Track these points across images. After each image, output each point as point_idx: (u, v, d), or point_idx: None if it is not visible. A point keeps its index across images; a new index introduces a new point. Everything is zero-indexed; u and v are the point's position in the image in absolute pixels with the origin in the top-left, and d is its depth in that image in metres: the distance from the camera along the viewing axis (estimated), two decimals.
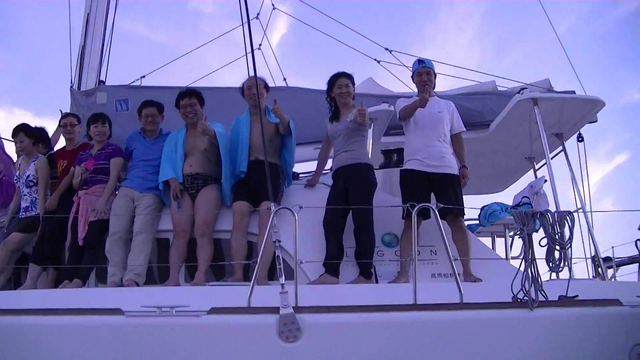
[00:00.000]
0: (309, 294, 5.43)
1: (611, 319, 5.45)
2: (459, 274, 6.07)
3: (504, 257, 7.85)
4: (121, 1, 8.90)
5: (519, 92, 7.59)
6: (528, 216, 5.55)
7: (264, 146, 5.93)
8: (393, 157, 7.46)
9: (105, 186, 6.56)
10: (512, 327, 5.38)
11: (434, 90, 6.94)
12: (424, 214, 6.13)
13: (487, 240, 8.18)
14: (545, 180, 7.32)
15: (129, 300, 5.32)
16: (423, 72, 6.65)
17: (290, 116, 6.99)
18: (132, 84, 8.72)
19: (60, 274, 6.31)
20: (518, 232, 5.57)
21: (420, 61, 6.75)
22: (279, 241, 5.34)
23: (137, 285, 6.07)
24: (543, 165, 8.88)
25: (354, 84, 6.81)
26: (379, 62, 9.44)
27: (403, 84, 8.92)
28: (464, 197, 6.63)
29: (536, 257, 5.49)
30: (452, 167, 6.44)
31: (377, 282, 6.26)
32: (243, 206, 6.30)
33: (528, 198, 7.46)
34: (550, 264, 5.62)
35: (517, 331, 5.38)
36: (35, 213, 6.68)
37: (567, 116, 7.88)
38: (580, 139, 8.78)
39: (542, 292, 5.45)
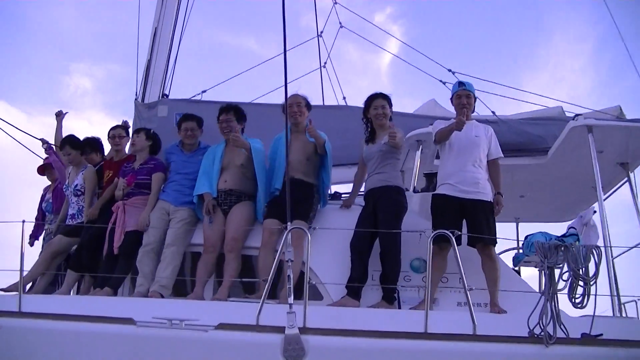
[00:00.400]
0: (321, 315, 5.44)
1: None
2: (485, 304, 5.94)
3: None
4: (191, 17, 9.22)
5: (573, 119, 7.30)
6: (551, 248, 5.33)
7: (287, 163, 5.96)
8: (434, 180, 7.31)
9: (143, 198, 6.79)
10: None
11: (473, 114, 6.78)
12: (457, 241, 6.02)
13: (533, 271, 7.85)
14: (595, 212, 6.98)
15: (147, 311, 5.50)
16: (462, 95, 6.51)
17: (345, 135, 7.02)
18: (193, 98, 8.98)
19: (95, 281, 6.58)
20: (540, 265, 5.35)
21: (460, 83, 6.63)
22: (291, 260, 5.36)
23: (162, 296, 6.23)
24: (611, 194, 8.52)
25: (391, 105, 6.76)
26: (444, 83, 9.28)
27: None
28: (530, 224, 6.39)
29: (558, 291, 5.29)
30: (485, 193, 6.26)
31: (399, 307, 6.15)
32: (272, 224, 6.36)
33: (575, 229, 7.12)
34: (573, 300, 5.38)
35: None
36: (80, 221, 7.00)
37: (633, 145, 7.52)
38: None
39: (563, 328, 5.23)
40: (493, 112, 8.67)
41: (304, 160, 6.66)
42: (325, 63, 10.36)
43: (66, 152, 7.40)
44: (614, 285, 6.25)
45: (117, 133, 7.43)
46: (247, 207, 6.58)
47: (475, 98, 6.65)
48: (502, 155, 6.61)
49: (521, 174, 8.38)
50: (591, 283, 5.32)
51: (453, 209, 6.15)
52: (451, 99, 6.70)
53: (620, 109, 8.94)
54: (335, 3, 10.25)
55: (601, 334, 5.32)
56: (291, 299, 5.26)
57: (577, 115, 7.73)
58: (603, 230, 6.63)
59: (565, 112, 8.92)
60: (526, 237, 7.06)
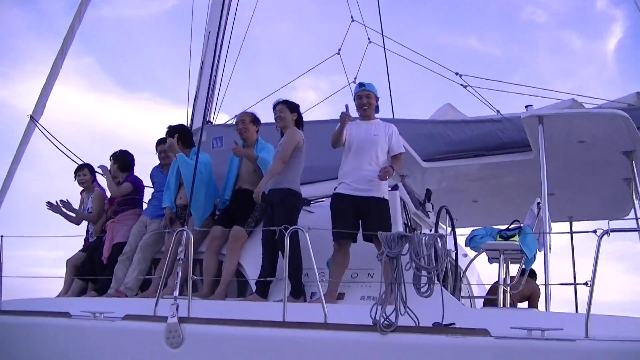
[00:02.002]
0: (204, 307, 6.20)
1: (477, 350, 5.19)
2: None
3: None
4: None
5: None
6: (395, 239, 5.56)
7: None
8: None
9: (127, 213, 8.03)
10: (365, 350, 5.46)
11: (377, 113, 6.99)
12: (352, 237, 6.41)
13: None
14: (538, 202, 6.82)
15: (101, 307, 6.68)
16: (363, 95, 6.79)
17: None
18: (227, 122, 10.04)
19: (95, 286, 7.92)
20: (383, 255, 5.59)
21: (360, 84, 6.91)
22: (181, 259, 6.21)
23: (126, 296, 7.34)
24: None
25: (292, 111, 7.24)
26: (464, 85, 9.39)
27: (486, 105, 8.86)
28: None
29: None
30: (379, 190, 6.51)
31: (305, 300, 6.58)
32: (216, 230, 7.18)
33: (518, 221, 7.02)
34: (417, 289, 5.54)
35: (370, 354, 5.44)
36: (94, 238, 8.42)
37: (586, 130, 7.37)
38: None
39: (413, 317, 5.42)
40: (498, 111, 8.65)
41: (251, 172, 7.41)
42: (355, 78, 10.85)
43: (83, 173, 8.75)
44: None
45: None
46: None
47: (376, 98, 6.86)
48: (404, 151, 6.76)
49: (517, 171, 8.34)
50: (434, 271, 5.45)
51: (348, 207, 6.48)
52: (354, 99, 6.95)
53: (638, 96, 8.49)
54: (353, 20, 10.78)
55: (453, 323, 5.41)
56: (176, 292, 6.15)
57: (527, 106, 7.60)
58: (544, 221, 6.55)
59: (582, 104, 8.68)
60: (471, 232, 7.13)
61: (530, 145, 7.84)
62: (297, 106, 7.29)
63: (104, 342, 6.38)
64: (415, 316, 5.42)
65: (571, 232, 8.99)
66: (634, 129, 7.11)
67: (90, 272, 7.92)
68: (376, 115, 6.97)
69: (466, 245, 7.03)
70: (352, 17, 11.04)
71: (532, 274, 8.63)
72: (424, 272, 5.50)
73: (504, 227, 7.05)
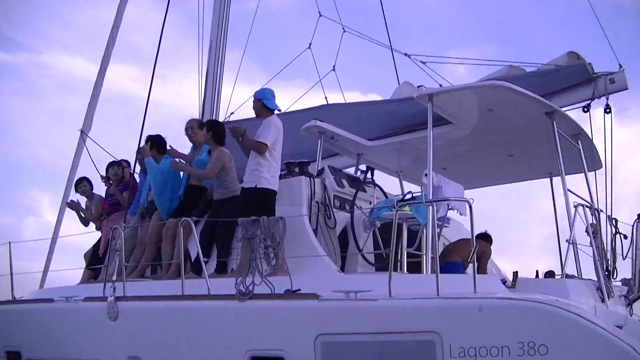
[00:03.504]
0: (140, 288, 7.81)
1: (302, 311, 6.38)
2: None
3: None
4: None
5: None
6: (249, 222, 6.85)
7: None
8: (293, 168, 8.69)
9: (117, 214, 9.77)
10: (232, 314, 6.80)
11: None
12: None
13: None
14: (426, 174, 7.67)
15: (78, 292, 8.55)
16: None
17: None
18: (225, 119, 11.54)
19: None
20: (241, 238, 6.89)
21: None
22: (118, 250, 7.86)
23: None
24: None
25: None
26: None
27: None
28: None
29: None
30: (249, 182, 7.88)
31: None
32: (169, 222, 8.69)
33: (411, 192, 7.94)
34: (268, 263, 6.78)
35: (235, 318, 6.79)
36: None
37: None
38: (607, 110, 8.52)
39: (270, 286, 6.66)
40: (440, 85, 9.52)
41: None
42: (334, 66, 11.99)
43: (83, 185, 10.66)
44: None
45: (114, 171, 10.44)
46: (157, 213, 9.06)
47: (258, 100, 8.12)
48: (262, 140, 7.87)
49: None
50: (276, 249, 6.69)
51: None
52: None
53: (575, 55, 9.03)
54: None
55: (299, 289, 6.61)
56: (114, 276, 7.78)
57: (419, 86, 8.39)
58: (428, 190, 7.46)
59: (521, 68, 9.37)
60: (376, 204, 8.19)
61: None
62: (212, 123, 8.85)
63: (73, 318, 8.21)
64: (272, 285, 6.63)
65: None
66: (522, 94, 7.68)
67: (94, 263, 9.77)
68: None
69: (371, 217, 8.04)
70: (319, 12, 12.11)
71: (486, 238, 9.48)
72: (270, 249, 6.71)
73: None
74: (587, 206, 7.44)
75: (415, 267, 8.27)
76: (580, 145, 8.64)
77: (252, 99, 8.19)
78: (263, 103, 8.13)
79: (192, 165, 8.89)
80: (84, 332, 8.07)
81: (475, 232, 9.23)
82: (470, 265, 8.91)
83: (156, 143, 9.34)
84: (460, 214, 8.26)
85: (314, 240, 7.74)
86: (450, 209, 8.06)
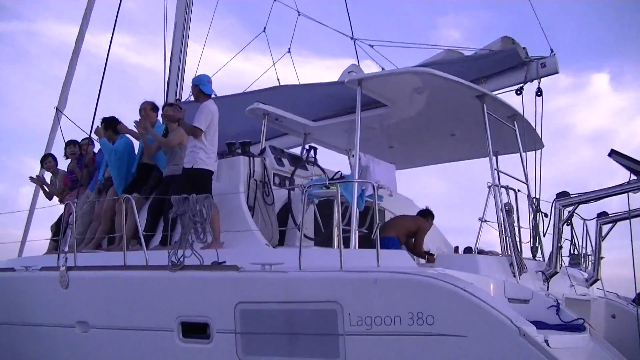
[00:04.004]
0: (90, 258, 8.46)
1: (224, 281, 7.02)
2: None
3: None
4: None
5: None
6: (180, 200, 7.46)
7: None
8: (233, 147, 9.27)
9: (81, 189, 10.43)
10: (165, 283, 7.45)
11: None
12: None
13: None
14: (353, 155, 8.25)
15: (37, 262, 9.22)
16: None
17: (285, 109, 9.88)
18: (188, 100, 12.10)
19: None
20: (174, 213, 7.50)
21: None
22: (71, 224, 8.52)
23: None
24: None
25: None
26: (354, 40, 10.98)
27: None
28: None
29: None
30: (186, 162, 8.54)
31: None
32: (121, 197, 9.33)
33: (340, 172, 8.55)
34: (198, 237, 7.39)
35: (168, 288, 7.44)
36: None
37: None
38: (539, 93, 9.05)
39: (199, 258, 7.26)
40: (382, 68, 10.09)
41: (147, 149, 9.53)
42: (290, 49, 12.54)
43: (48, 161, 11.31)
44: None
45: (70, 150, 11.09)
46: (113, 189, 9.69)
47: (195, 85, 8.70)
48: (196, 124, 8.43)
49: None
50: (199, 224, 7.30)
51: None
52: None
53: (510, 40, 9.54)
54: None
55: (224, 262, 7.24)
56: (65, 248, 8.44)
57: (349, 72, 8.92)
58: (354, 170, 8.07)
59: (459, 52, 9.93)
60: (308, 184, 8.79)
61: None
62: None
63: (30, 286, 8.89)
64: (201, 257, 7.24)
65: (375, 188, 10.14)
66: (445, 79, 8.22)
67: (57, 235, 10.43)
68: None
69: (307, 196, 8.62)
70: None
71: (427, 214, 10.11)
72: (198, 224, 7.32)
73: None
74: (501, 186, 8.01)
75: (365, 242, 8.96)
76: (516, 126, 9.21)
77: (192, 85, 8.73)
78: (200, 89, 8.68)
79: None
80: (40, 299, 8.74)
81: (420, 209, 10.10)
82: (403, 240, 9.62)
83: (111, 124, 9.94)
84: (390, 193, 8.89)
85: (248, 216, 8.34)
86: (381, 187, 8.69)
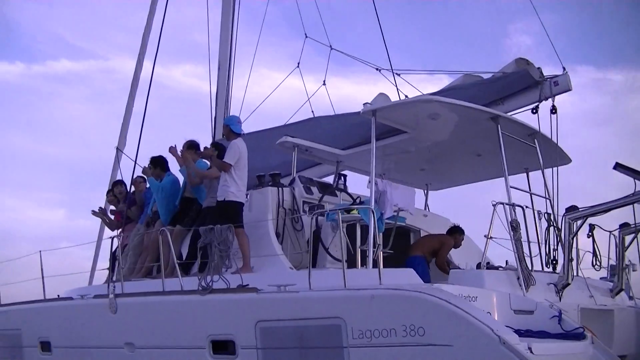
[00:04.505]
0: (135, 286, 9.40)
1: (245, 302, 7.79)
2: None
3: None
4: None
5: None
6: (206, 231, 8.29)
7: None
8: (263, 180, 10.06)
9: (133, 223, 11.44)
10: (196, 307, 8.28)
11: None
12: None
13: None
14: (369, 182, 8.90)
15: (92, 291, 10.24)
16: None
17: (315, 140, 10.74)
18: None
19: None
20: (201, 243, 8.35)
21: None
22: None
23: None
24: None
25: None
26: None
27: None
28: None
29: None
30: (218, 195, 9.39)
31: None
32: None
33: (359, 198, 9.20)
34: (224, 264, 8.18)
35: (199, 310, 8.27)
36: None
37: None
38: (553, 110, 9.57)
39: (226, 282, 8.07)
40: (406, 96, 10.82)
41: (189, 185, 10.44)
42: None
43: (110, 196, 12.45)
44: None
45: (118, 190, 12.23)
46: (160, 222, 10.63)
47: (226, 125, 9.54)
48: (226, 160, 9.37)
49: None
50: (227, 252, 8.10)
51: None
52: None
53: (524, 61, 10.05)
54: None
55: (247, 284, 8.01)
56: (114, 277, 9.40)
57: (365, 103, 9.56)
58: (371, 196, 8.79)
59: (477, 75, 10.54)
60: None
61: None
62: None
63: (85, 313, 9.89)
64: (227, 281, 8.03)
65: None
66: (452, 105, 8.83)
67: (113, 265, 11.47)
68: None
69: (327, 221, 9.32)
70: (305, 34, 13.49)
71: (454, 231, 10.64)
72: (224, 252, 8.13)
73: None
74: (506, 204, 8.48)
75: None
76: (537, 144, 9.67)
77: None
78: (230, 128, 9.61)
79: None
80: (93, 324, 9.71)
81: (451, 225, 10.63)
82: (432, 258, 10.16)
83: (158, 163, 10.92)
84: (410, 212, 9.51)
85: (274, 242, 9.13)
86: (400, 209, 9.30)
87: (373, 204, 8.74)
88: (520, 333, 7.11)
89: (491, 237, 8.36)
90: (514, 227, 8.38)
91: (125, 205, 11.66)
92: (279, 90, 13.80)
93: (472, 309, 6.44)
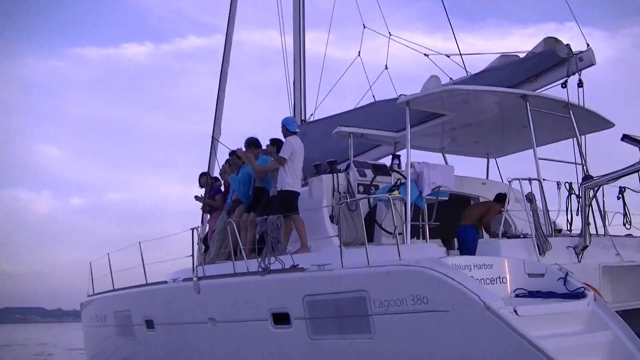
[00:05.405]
0: (215, 268, 11.20)
1: (295, 280, 9.37)
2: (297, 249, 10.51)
3: None
4: None
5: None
6: (262, 221, 9.90)
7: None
8: (320, 168, 11.47)
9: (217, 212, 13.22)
10: (258, 285, 9.93)
11: None
12: None
13: None
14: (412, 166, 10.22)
15: (182, 274, 12.18)
16: None
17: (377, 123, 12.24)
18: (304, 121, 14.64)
19: None
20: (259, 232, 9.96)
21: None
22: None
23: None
24: None
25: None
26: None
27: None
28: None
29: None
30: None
31: None
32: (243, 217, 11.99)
33: (400, 180, 10.49)
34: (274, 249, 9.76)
35: (260, 288, 9.91)
36: None
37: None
38: (580, 84, 10.58)
39: (281, 264, 9.67)
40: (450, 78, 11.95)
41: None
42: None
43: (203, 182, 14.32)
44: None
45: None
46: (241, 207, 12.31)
47: (283, 125, 10.99)
48: (282, 155, 10.97)
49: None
50: (278, 238, 9.67)
51: None
52: None
53: (553, 40, 10.97)
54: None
55: (298, 264, 9.56)
56: (195, 261, 11.23)
57: (400, 95, 10.73)
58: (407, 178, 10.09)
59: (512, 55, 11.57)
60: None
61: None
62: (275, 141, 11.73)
63: (175, 295, 11.80)
64: (283, 263, 9.61)
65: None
66: (474, 91, 10.00)
67: (205, 250, 13.35)
68: None
69: (375, 200, 10.71)
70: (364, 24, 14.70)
71: (499, 198, 11.69)
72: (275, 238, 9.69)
73: None
74: (522, 179, 9.53)
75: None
76: (572, 115, 10.62)
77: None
78: (287, 128, 11.18)
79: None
80: (183, 303, 11.59)
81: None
82: (478, 225, 11.31)
83: (252, 144, 12.41)
84: (450, 188, 10.76)
85: (328, 225, 10.63)
86: (438, 187, 10.53)
87: (410, 184, 10.04)
88: (532, 294, 8.34)
89: (507, 211, 9.47)
90: (529, 199, 9.42)
91: (206, 198, 13.53)
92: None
93: (464, 279, 7.64)
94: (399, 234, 9.81)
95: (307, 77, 15.19)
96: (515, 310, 7.28)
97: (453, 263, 8.11)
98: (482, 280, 8.24)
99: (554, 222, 10.05)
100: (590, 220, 9.51)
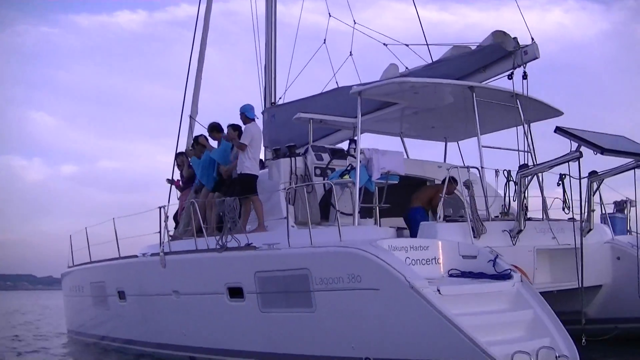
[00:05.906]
0: (180, 244, 12.06)
1: (248, 257, 10.23)
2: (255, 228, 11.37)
3: None
4: None
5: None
6: (221, 202, 10.73)
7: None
8: (279, 152, 12.27)
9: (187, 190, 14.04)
10: (216, 261, 10.78)
11: None
12: None
13: None
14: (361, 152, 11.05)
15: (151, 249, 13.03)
16: None
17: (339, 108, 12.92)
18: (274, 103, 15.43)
19: None
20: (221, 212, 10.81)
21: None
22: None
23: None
24: None
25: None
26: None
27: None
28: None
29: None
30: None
31: None
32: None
33: (351, 165, 11.29)
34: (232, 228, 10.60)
35: (218, 263, 10.76)
36: None
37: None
38: (524, 76, 11.36)
39: (237, 242, 10.50)
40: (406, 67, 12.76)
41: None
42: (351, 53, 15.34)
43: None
44: None
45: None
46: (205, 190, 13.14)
47: (242, 113, 11.76)
48: (242, 141, 11.76)
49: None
50: (233, 219, 10.50)
51: None
52: None
53: (501, 33, 11.73)
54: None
55: (251, 243, 10.41)
56: (165, 237, 12.09)
57: (352, 85, 11.49)
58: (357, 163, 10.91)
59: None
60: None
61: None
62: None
63: (144, 268, 12.68)
64: (238, 242, 10.45)
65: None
66: (422, 83, 10.83)
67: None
68: None
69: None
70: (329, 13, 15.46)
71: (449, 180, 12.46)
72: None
73: None
74: (460, 167, 10.37)
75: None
76: (519, 104, 11.42)
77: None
78: (245, 115, 11.95)
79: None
80: (150, 276, 12.46)
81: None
82: (428, 207, 12.14)
83: (214, 129, 13.17)
84: (400, 173, 11.58)
85: (283, 206, 11.42)
86: (388, 172, 11.36)
87: (359, 169, 10.84)
88: (464, 274, 9.19)
89: (445, 196, 10.33)
90: (467, 185, 10.24)
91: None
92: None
93: (393, 260, 8.46)
94: (348, 215, 10.71)
95: (278, 62, 15.85)
96: (438, 290, 8.12)
97: (389, 245, 8.94)
98: (418, 261, 9.10)
99: (507, 207, 10.88)
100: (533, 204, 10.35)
